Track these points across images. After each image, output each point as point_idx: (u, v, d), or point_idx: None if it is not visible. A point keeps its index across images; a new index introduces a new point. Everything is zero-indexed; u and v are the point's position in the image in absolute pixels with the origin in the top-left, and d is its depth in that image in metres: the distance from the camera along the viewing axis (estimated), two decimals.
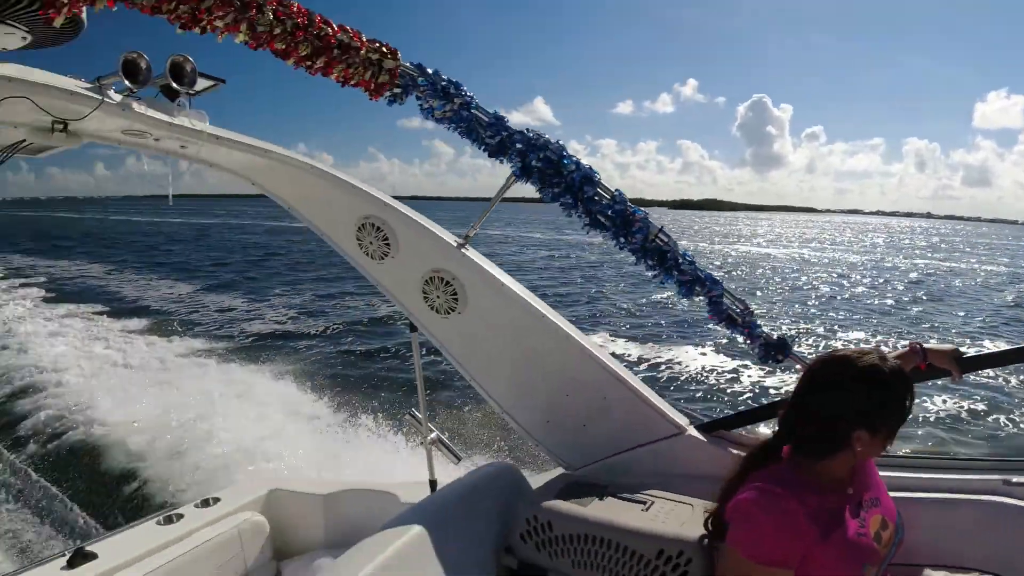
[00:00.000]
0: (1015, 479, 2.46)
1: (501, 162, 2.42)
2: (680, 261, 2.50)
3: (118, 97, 2.13)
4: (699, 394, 10.22)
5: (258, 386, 9.70)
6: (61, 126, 2.21)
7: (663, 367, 11.88)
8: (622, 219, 2.43)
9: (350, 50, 2.22)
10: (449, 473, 2.83)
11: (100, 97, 2.06)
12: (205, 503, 3.28)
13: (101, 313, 16.95)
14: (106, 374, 10.53)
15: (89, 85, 2.09)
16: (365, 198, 2.66)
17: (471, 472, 2.51)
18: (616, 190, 2.44)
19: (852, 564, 1.64)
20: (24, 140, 2.30)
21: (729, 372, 11.47)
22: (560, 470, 2.75)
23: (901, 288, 28.02)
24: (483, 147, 2.41)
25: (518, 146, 2.38)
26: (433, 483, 3.09)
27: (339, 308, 18.70)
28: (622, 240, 2.46)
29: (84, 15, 1.98)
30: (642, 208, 2.46)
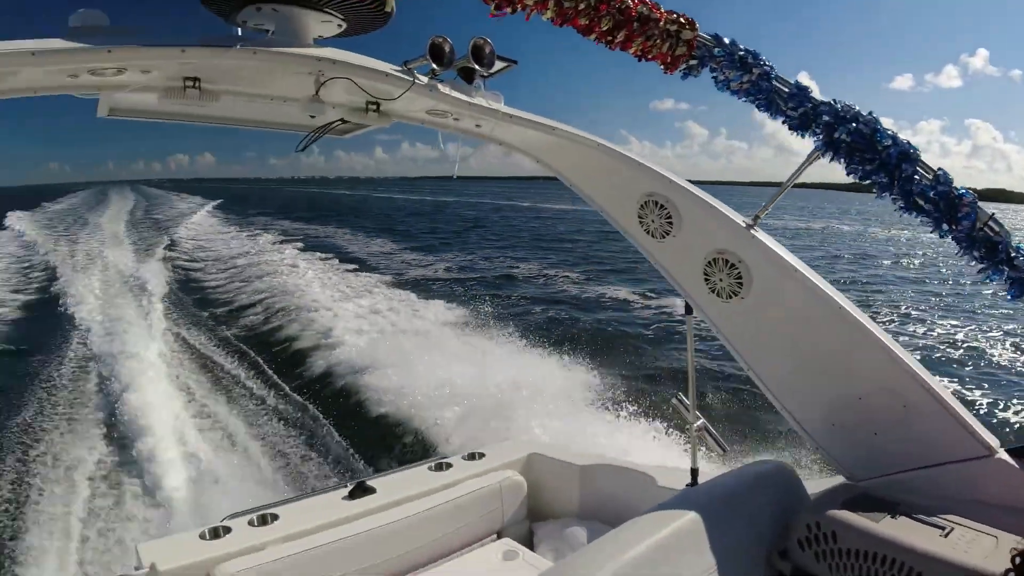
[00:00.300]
0: None
1: (803, 136, 2.24)
2: (1013, 255, 2.14)
3: (425, 79, 2.26)
4: (1019, 412, 8.91)
5: (523, 355, 10.62)
6: (375, 106, 2.40)
7: (977, 375, 10.54)
8: (946, 202, 2.13)
9: (649, 22, 2.18)
10: (710, 463, 2.74)
11: (411, 79, 2.21)
12: (471, 456, 3.57)
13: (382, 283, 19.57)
14: (383, 334, 12.31)
15: (399, 68, 2.24)
16: (650, 175, 2.62)
17: (745, 467, 2.39)
18: (939, 169, 2.14)
19: None
20: (339, 120, 2.55)
21: None
22: (840, 479, 2.54)
23: None
24: (784, 119, 2.24)
25: (824, 118, 2.18)
26: (694, 471, 3.02)
27: (609, 284, 19.37)
28: (945, 227, 2.16)
29: (394, 3, 2.13)
30: (970, 190, 2.14)
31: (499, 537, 3.33)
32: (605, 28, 2.14)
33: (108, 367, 10.65)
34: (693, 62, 2.28)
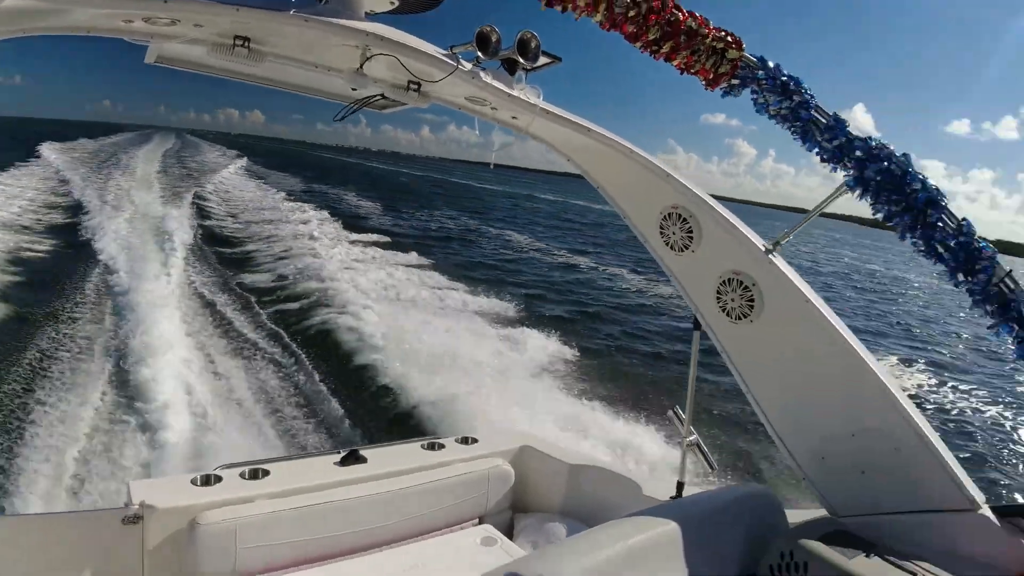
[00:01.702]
0: None
1: (834, 171, 2.24)
2: None
3: (468, 65, 2.30)
4: (1006, 470, 8.90)
5: (528, 341, 10.76)
6: (416, 86, 2.44)
7: (968, 424, 10.55)
8: (966, 254, 2.12)
9: (696, 37, 2.20)
10: (697, 479, 2.76)
11: (455, 64, 2.24)
12: (464, 440, 3.63)
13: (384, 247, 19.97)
14: (393, 305, 12.51)
15: (445, 52, 2.27)
16: (677, 187, 2.63)
17: (729, 488, 2.42)
18: (964, 219, 2.12)
19: None
20: (379, 95, 2.59)
21: None
22: (823, 512, 2.54)
23: None
24: (818, 151, 2.24)
25: (857, 153, 2.17)
26: (680, 485, 3.04)
27: (621, 286, 19.49)
28: (960, 278, 2.16)
29: None
30: (991, 244, 2.13)
31: (480, 523, 3.38)
32: (652, 38, 2.16)
33: (123, 307, 10.89)
34: (735, 82, 2.28)
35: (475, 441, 3.64)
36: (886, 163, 2.15)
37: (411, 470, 3.21)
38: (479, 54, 2.27)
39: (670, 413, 3.12)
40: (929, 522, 2.32)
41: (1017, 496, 7.36)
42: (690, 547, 2.01)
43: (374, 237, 22.99)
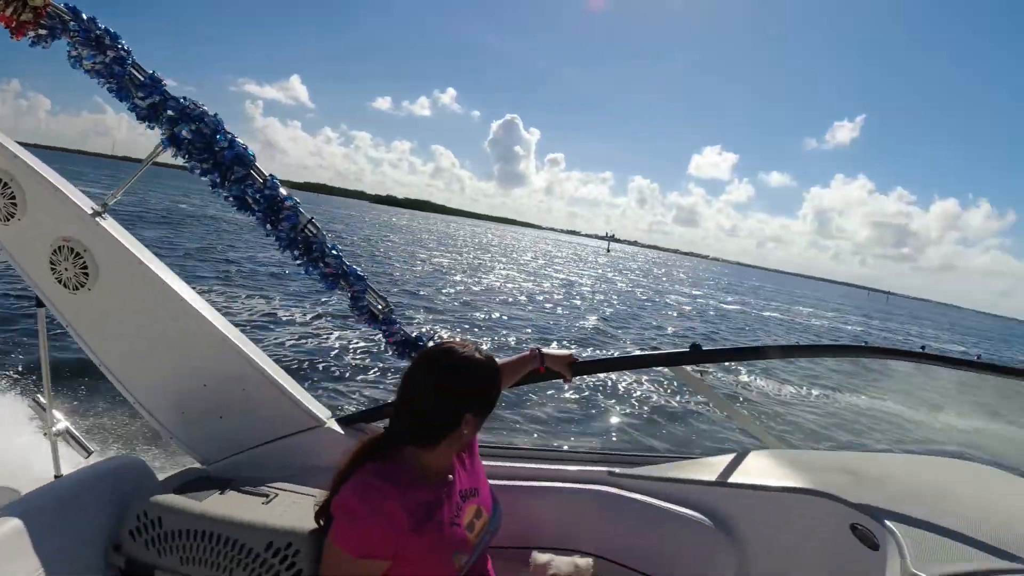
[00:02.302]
0: (617, 470, 2.91)
1: (151, 128, 2.36)
2: (326, 254, 2.58)
3: None
4: (345, 386, 9.80)
5: None
6: None
7: (313, 354, 11.12)
8: (270, 204, 2.48)
9: None
10: (77, 468, 2.59)
11: None
12: None
13: None
14: None
15: None
16: None
17: (90, 466, 2.32)
18: (270, 175, 2.47)
19: (442, 552, 1.77)
20: None
21: (376, 365, 10.99)
22: (196, 464, 2.64)
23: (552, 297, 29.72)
24: (133, 109, 2.32)
25: (170, 113, 2.33)
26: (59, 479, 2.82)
27: None
28: (269, 227, 2.53)
29: None
30: (293, 196, 2.51)
31: None
32: None
33: None
34: (43, 31, 2.21)
35: None
36: (197, 123, 2.36)
37: None
38: None
39: (30, 404, 2.89)
40: (285, 446, 2.62)
41: (355, 406, 8.46)
42: (44, 536, 1.86)
43: None
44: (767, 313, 44.74)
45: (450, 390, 1.80)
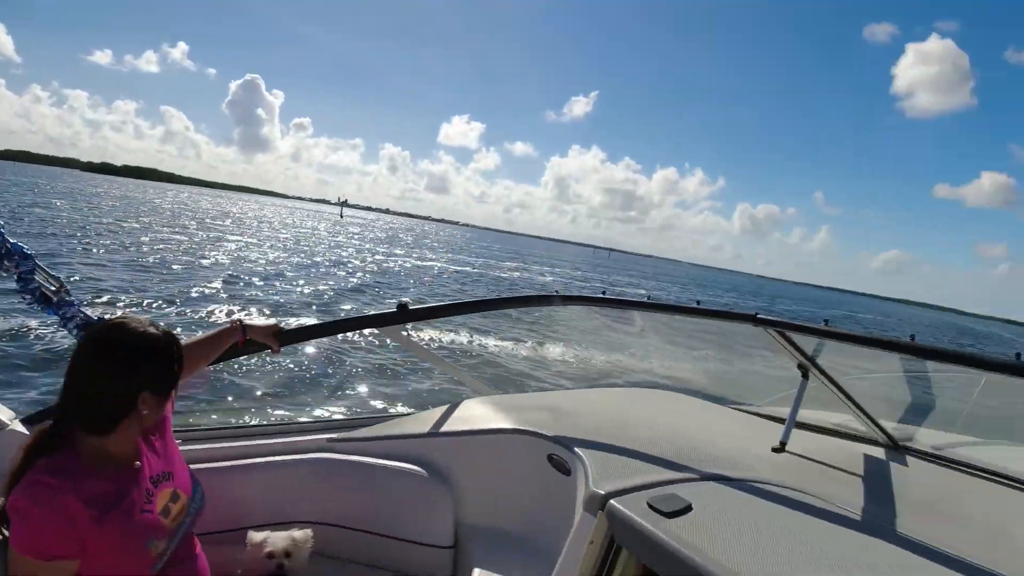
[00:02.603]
0: (335, 435, 2.94)
1: None
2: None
3: None
4: (31, 381, 8.36)
5: None
6: None
7: None
8: None
9: None
10: None
11: None
12: None
13: None
14: None
15: None
16: None
17: None
18: None
19: (135, 541, 1.66)
20: None
21: (69, 355, 9.54)
22: None
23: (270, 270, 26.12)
24: None
25: None
26: None
27: None
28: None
29: None
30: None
31: None
32: None
33: None
34: None
35: None
36: None
37: None
38: None
39: None
40: None
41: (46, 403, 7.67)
42: None
43: None
44: (504, 274, 46.65)
45: (119, 369, 1.65)
